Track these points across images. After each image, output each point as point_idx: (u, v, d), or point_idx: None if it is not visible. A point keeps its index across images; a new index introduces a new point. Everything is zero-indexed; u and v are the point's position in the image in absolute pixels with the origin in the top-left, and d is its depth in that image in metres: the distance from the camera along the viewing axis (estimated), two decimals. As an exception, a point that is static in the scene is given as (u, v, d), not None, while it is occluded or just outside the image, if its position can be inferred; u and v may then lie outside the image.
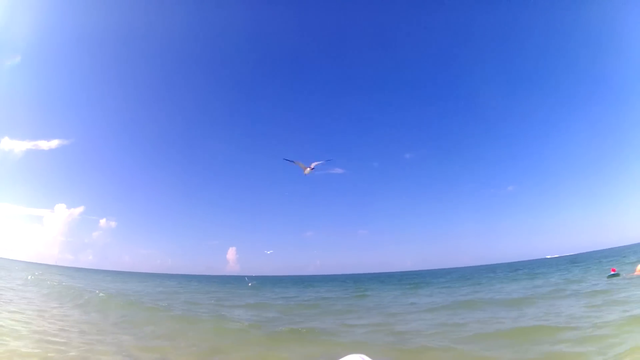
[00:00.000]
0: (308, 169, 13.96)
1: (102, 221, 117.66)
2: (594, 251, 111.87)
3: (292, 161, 14.20)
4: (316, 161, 14.00)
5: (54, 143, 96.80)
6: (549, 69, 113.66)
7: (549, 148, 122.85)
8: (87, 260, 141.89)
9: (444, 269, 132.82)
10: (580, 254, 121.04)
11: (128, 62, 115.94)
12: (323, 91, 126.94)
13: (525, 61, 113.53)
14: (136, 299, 20.56)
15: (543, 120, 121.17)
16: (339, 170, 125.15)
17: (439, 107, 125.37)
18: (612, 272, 20.10)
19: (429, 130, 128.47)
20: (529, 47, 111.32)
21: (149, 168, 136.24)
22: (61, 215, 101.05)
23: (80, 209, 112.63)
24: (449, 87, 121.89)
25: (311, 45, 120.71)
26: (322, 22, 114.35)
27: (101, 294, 20.05)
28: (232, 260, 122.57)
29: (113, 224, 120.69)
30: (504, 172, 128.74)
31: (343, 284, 46.83)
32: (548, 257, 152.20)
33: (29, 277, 35.18)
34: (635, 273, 19.19)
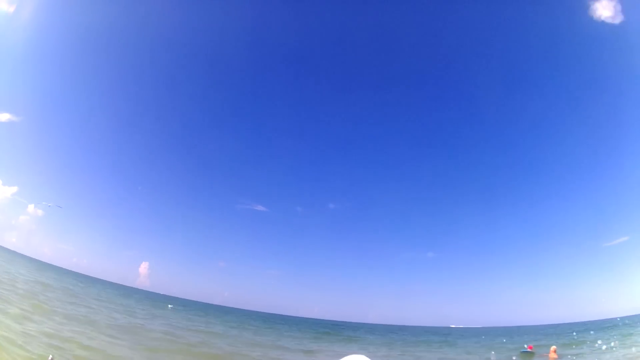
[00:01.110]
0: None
1: (31, 207, 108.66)
2: (499, 327, 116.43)
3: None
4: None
5: (4, 117, 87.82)
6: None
7: (471, 219, 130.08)
8: (11, 242, 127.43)
9: (351, 322, 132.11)
10: (485, 327, 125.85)
11: (99, 50, 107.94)
12: (247, 126, 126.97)
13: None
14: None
15: (464, 191, 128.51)
16: (261, 208, 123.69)
17: (366, 161, 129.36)
18: (529, 350, 18.85)
19: (355, 184, 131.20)
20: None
21: (84, 164, 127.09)
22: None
23: (14, 189, 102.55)
24: (374, 146, 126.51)
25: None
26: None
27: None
28: (143, 274, 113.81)
29: (40, 212, 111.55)
30: (425, 238, 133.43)
31: (249, 321, 43.04)
32: (452, 326, 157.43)
33: None
34: (550, 355, 18.02)
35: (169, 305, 55.48)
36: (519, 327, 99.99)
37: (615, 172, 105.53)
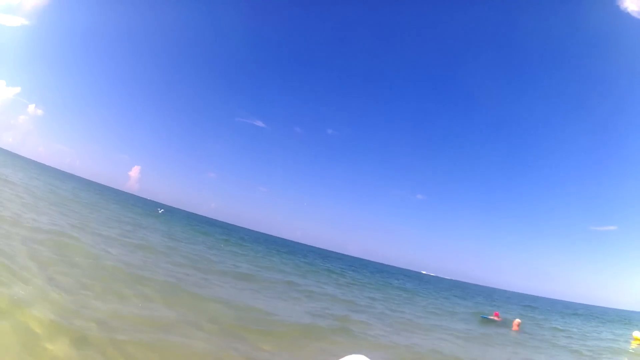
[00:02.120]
0: None
1: (31, 107, 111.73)
2: (470, 283, 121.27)
3: None
4: None
5: (18, 21, 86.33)
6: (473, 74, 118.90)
7: (466, 174, 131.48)
8: (7, 142, 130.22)
9: (329, 250, 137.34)
10: (456, 280, 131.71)
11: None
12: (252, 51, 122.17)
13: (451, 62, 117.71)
14: None
15: (462, 137, 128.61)
16: (260, 124, 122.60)
17: (369, 93, 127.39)
18: (494, 317, 18.71)
19: (356, 113, 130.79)
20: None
21: (87, 68, 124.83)
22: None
23: (17, 89, 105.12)
24: (382, 80, 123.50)
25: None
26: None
27: None
28: (134, 178, 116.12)
29: (40, 112, 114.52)
30: (418, 179, 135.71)
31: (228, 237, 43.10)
32: (424, 272, 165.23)
33: None
34: (513, 328, 17.64)
35: (160, 210, 56.31)
36: (493, 289, 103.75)
37: (616, 161, 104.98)
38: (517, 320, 18.29)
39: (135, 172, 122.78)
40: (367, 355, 2.32)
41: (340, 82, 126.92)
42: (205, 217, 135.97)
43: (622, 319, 43.65)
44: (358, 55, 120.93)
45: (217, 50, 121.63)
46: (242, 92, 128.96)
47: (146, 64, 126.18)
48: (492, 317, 18.83)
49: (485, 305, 30.45)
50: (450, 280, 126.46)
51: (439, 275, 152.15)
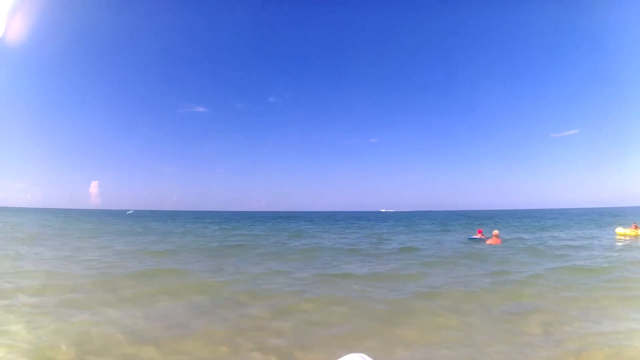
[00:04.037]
0: None
1: None
2: (434, 211, 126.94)
3: None
4: None
5: None
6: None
7: (413, 105, 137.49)
8: None
9: (300, 211, 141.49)
10: (414, 211, 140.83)
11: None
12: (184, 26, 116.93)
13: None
14: None
15: (405, 77, 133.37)
16: (202, 109, 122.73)
17: (306, 54, 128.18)
18: (479, 235, 20.13)
19: (293, 76, 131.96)
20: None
21: (21, 97, 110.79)
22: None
23: None
24: (319, 38, 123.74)
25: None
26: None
27: None
28: (94, 193, 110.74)
29: None
30: (368, 124, 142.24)
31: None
32: (383, 210, 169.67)
33: None
34: (493, 239, 19.08)
35: (128, 212, 56.77)
36: (466, 211, 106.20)
37: (571, 64, 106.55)
38: (495, 232, 19.78)
39: (94, 187, 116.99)
40: (367, 355, 2.23)
41: (271, 49, 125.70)
42: (171, 210, 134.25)
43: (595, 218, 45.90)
44: (283, 17, 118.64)
45: (146, 48, 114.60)
46: (177, 84, 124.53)
47: (81, 78, 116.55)
48: (476, 237, 19.89)
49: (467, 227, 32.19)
50: (416, 212, 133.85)
51: (398, 210, 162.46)
